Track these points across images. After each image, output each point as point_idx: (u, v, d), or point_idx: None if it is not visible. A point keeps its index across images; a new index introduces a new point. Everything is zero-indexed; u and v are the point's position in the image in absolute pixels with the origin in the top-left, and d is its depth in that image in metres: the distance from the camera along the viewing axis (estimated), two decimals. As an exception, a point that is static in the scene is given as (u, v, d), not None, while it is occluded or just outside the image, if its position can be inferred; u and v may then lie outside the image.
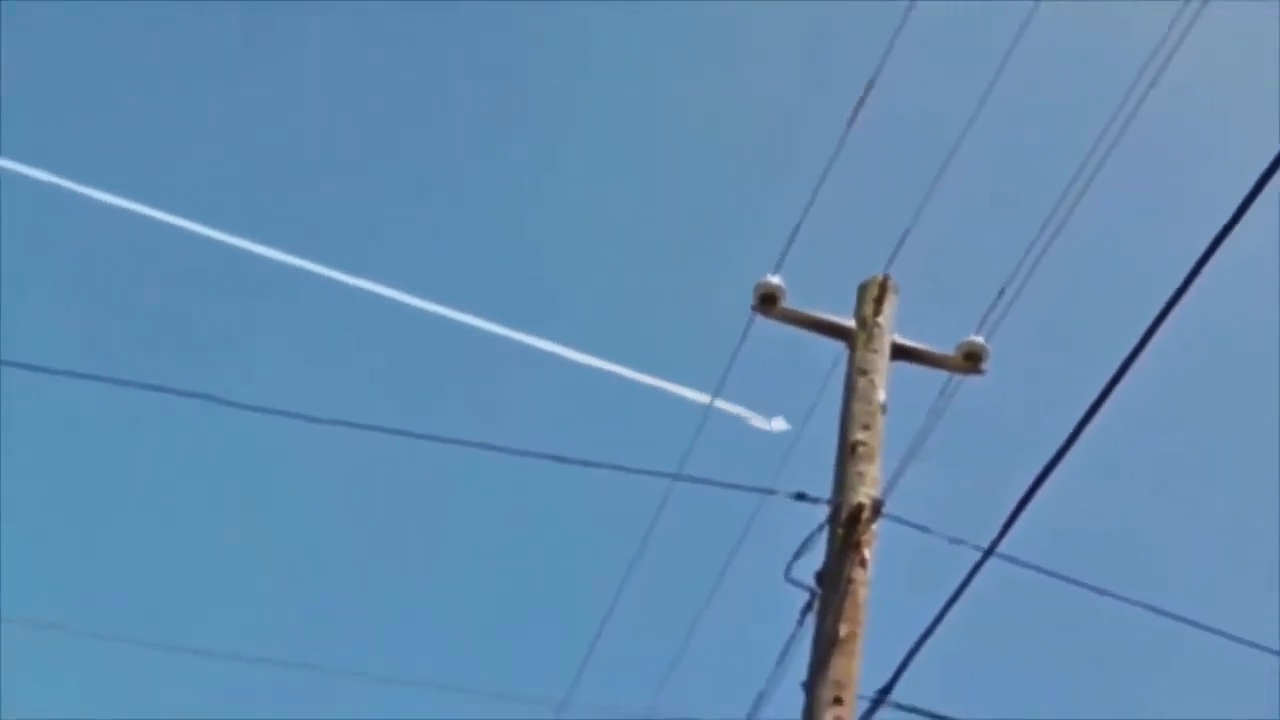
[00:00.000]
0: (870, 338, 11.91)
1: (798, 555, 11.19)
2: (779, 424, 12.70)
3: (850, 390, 11.74)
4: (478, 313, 14.81)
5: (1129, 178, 10.34)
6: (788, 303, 12.24)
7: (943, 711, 10.67)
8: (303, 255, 16.76)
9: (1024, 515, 9.06)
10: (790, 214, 12.28)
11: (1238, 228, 6.82)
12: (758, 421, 12.87)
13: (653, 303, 24.13)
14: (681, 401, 13.33)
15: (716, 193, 23.77)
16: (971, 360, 12.02)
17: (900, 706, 10.31)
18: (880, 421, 11.58)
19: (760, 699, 11.14)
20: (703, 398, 13.03)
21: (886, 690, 10.01)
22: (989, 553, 9.31)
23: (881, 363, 11.83)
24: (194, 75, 25.42)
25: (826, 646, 10.74)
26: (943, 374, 11.98)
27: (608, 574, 14.24)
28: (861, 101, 11.64)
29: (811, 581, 11.07)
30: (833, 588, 10.93)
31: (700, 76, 24.62)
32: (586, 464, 12.56)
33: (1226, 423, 23.20)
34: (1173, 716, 20.95)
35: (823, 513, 11.33)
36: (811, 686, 10.68)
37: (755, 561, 12.64)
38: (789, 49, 23.71)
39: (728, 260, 21.71)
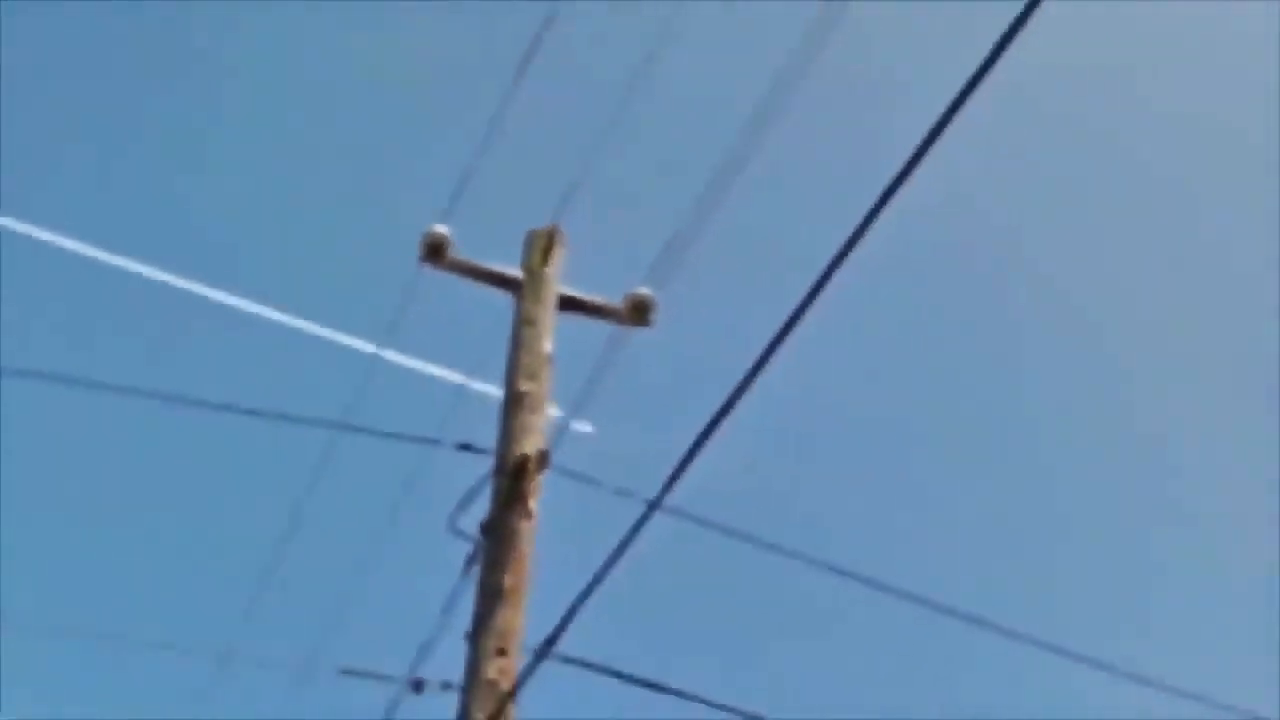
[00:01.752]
0: (537, 289, 11.86)
1: (462, 507, 11.13)
2: (446, 374, 12.61)
3: (517, 341, 11.69)
4: (146, 261, 14.44)
5: (801, 132, 10.40)
6: (456, 253, 12.15)
7: (607, 664, 10.69)
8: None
9: (690, 469, 9.06)
10: (460, 164, 12.20)
11: (907, 183, 6.85)
12: (425, 371, 12.77)
13: (320, 253, 23.88)
14: (349, 351, 13.19)
15: (386, 143, 23.54)
16: (639, 312, 12.05)
17: (565, 659, 10.29)
18: (547, 373, 11.54)
19: (424, 650, 11.05)
20: (369, 347, 12.91)
21: (551, 642, 9.96)
22: (655, 505, 9.29)
23: (548, 314, 11.79)
24: None
25: (491, 598, 10.70)
26: (611, 326, 11.98)
27: (274, 525, 14.06)
28: (531, 52, 11.58)
29: (476, 533, 11.02)
30: (497, 539, 10.88)
31: (372, 25, 24.34)
32: (253, 414, 12.38)
33: (892, 380, 23.70)
34: (838, 667, 21.39)
35: (488, 464, 11.28)
36: (476, 638, 10.62)
37: (421, 513, 12.56)
38: (460, -2, 23.59)
39: (396, 211, 21.53)
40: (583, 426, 11.87)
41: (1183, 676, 13.25)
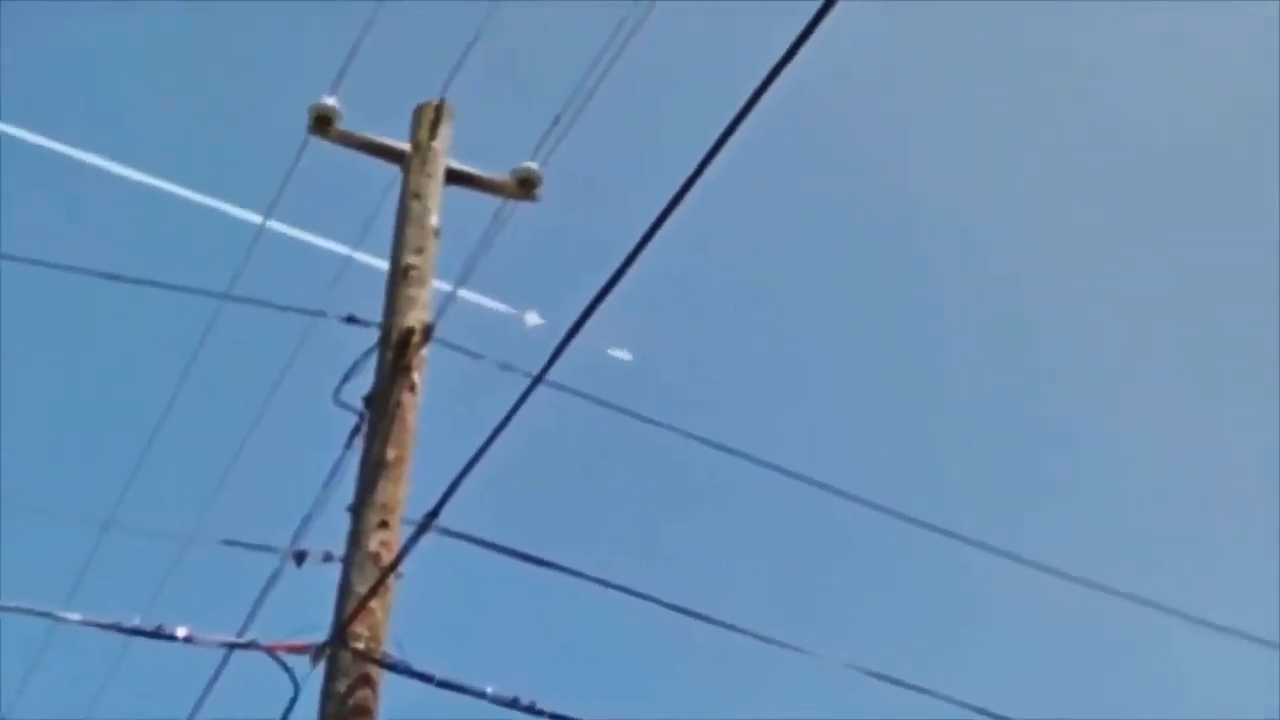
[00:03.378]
0: (425, 162, 11.82)
1: (346, 378, 11.13)
2: (332, 246, 12.56)
3: (403, 214, 11.66)
4: (29, 126, 14.26)
5: (691, 6, 10.40)
6: (344, 126, 12.08)
7: (488, 538, 10.75)
8: None
9: (575, 343, 9.08)
10: (348, 36, 12.10)
11: (793, 62, 6.86)
12: (312, 243, 12.72)
13: (208, 122, 23.63)
14: (235, 222, 13.11)
15: (275, 14, 23.29)
16: (525, 186, 12.02)
17: (446, 532, 10.32)
18: (433, 246, 11.53)
19: (306, 521, 11.06)
20: (256, 218, 12.83)
21: (433, 515, 9.99)
22: (538, 380, 9.31)
23: (435, 187, 11.75)
24: None
25: (374, 470, 10.72)
26: (498, 199, 11.97)
27: (158, 395, 14.00)
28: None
29: (360, 405, 11.02)
30: (381, 412, 10.89)
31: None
32: (139, 282, 12.31)
33: (775, 258, 23.76)
34: (722, 544, 21.55)
35: (373, 337, 11.27)
36: (358, 510, 10.65)
37: (306, 384, 12.54)
38: None
39: (285, 83, 21.34)
40: (533, 319, 11.91)
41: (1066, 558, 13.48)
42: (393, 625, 10.39)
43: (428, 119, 11.92)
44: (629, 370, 12.31)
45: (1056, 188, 24.19)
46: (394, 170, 11.94)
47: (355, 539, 10.57)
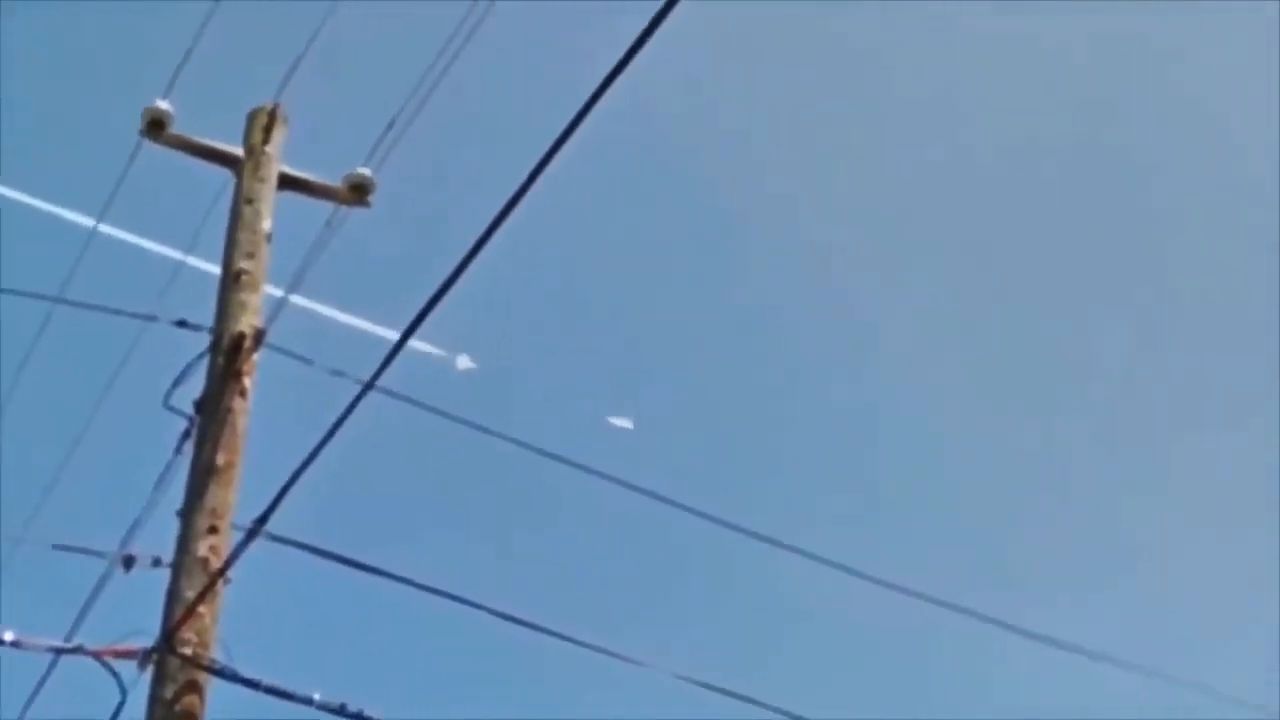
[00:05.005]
0: (258, 166, 11.79)
1: (177, 383, 11.09)
2: (164, 250, 12.50)
3: (236, 218, 11.63)
4: None
5: (525, 13, 10.44)
6: (177, 129, 12.03)
7: (318, 544, 10.74)
8: None
9: (406, 350, 9.11)
10: (182, 39, 12.05)
11: (629, 68, 6.90)
12: (144, 247, 12.65)
13: (39, 125, 23.34)
14: (67, 225, 13.00)
15: (110, 16, 23.07)
16: (358, 192, 12.02)
17: (275, 538, 10.32)
18: (265, 251, 11.51)
19: (135, 526, 11.00)
20: (88, 221, 12.74)
21: (262, 520, 9.99)
22: (369, 386, 9.34)
23: (268, 192, 11.73)
24: None
25: (204, 475, 10.69)
26: (330, 205, 11.95)
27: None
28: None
29: (191, 410, 10.98)
30: (212, 416, 10.87)
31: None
32: (-34, 285, 12.19)
33: (615, 265, 23.85)
34: (549, 549, 21.59)
35: (205, 341, 11.23)
36: (187, 515, 10.62)
37: (137, 388, 12.46)
38: None
39: (118, 85, 21.15)
40: (464, 362, 11.94)
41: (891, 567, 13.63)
42: (221, 631, 10.37)
43: (261, 124, 11.90)
44: (467, 377, 12.34)
45: (892, 189, 24.45)
46: (227, 174, 11.91)
47: (184, 544, 10.54)
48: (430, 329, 8.79)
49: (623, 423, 12.88)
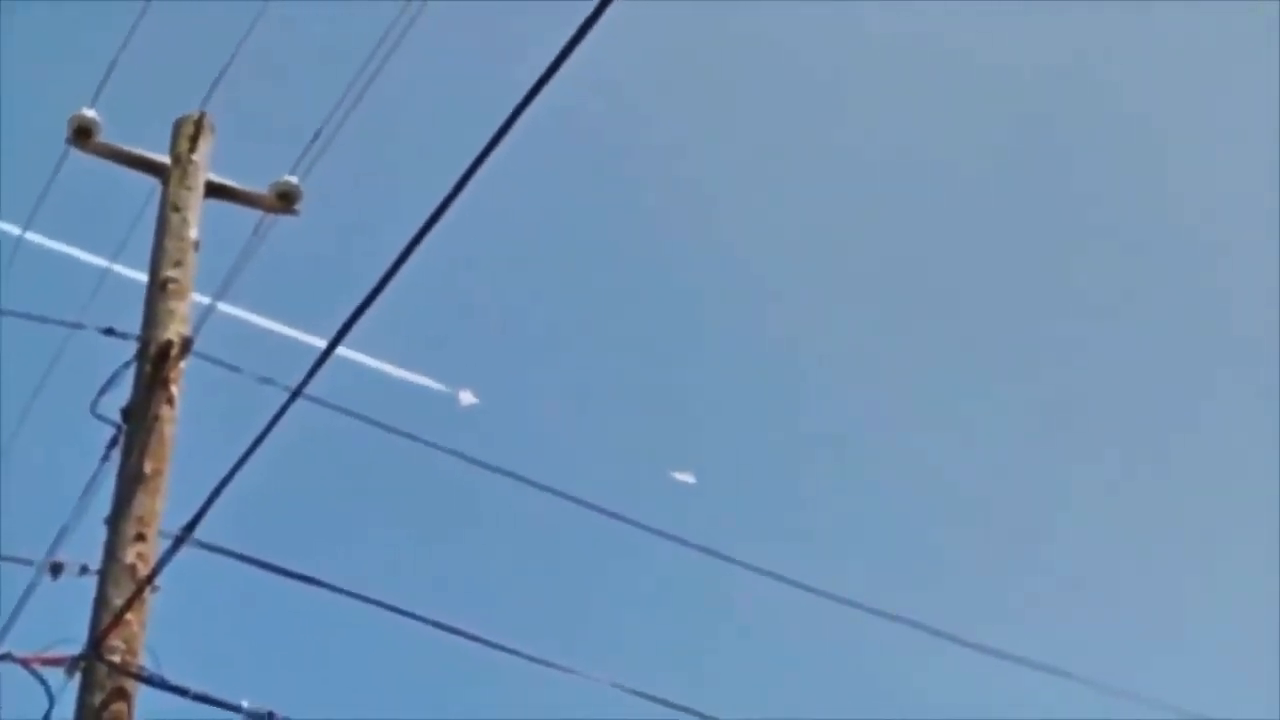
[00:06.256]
0: (185, 174, 11.79)
1: (104, 390, 11.08)
2: (91, 258, 12.49)
3: (163, 227, 11.63)
4: None
5: (450, 22, 10.47)
6: (104, 137, 12.02)
7: (245, 551, 10.76)
8: None
9: (334, 359, 9.12)
10: (109, 47, 12.04)
11: (556, 77, 6.92)
12: (70, 254, 12.64)
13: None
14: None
15: (32, 21, 22.97)
16: (285, 200, 12.01)
17: (203, 545, 10.33)
18: (192, 259, 11.51)
19: (63, 533, 10.99)
20: (14, 229, 12.72)
21: (190, 528, 9.99)
22: (296, 394, 9.34)
23: (195, 200, 11.74)
24: None
25: (131, 483, 10.69)
26: (258, 213, 11.96)
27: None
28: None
29: (118, 417, 10.98)
30: (139, 424, 10.87)
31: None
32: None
33: (540, 275, 23.87)
34: (483, 558, 21.58)
35: (132, 349, 11.23)
36: (115, 522, 10.62)
37: (65, 396, 12.44)
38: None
39: (44, 92, 21.06)
40: (467, 398, 11.98)
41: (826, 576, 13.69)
42: (149, 638, 10.37)
43: (187, 132, 11.90)
44: (391, 386, 12.36)
45: (812, 195, 24.52)
46: (154, 183, 11.91)
47: (111, 551, 10.53)
48: (359, 337, 8.82)
49: (686, 477, 13.06)
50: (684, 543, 13.12)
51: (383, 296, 8.30)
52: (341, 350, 8.91)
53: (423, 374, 12.72)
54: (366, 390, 12.12)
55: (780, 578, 13.26)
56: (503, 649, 11.30)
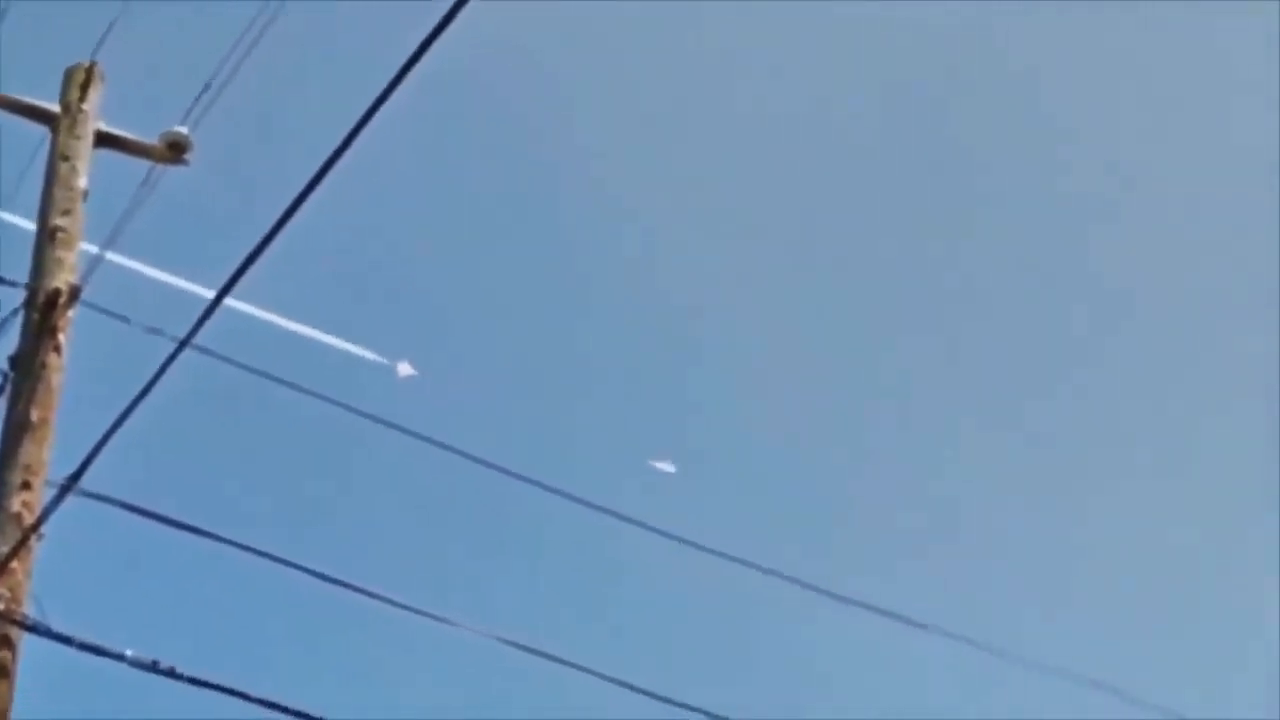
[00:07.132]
0: (74, 124, 11.76)
1: (-9, 340, 11.06)
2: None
3: (52, 176, 11.61)
4: None
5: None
6: (-8, 86, 11.97)
7: (132, 501, 10.75)
8: None
9: (223, 308, 9.14)
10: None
11: (449, 28, 6.94)
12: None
13: None
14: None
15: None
16: (175, 150, 11.99)
17: (89, 494, 10.33)
18: (81, 208, 11.50)
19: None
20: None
21: (76, 477, 10.00)
22: (184, 343, 9.37)
23: (85, 149, 11.71)
24: None
25: (17, 432, 10.68)
26: (148, 163, 11.94)
27: None
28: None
29: (5, 365, 10.96)
30: (26, 373, 10.86)
31: None
32: None
33: (437, 217, 23.81)
34: (368, 510, 21.59)
35: (20, 297, 11.20)
36: (1, 470, 10.59)
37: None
38: None
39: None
40: (405, 369, 12.00)
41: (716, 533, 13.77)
42: (34, 587, 10.37)
43: (78, 81, 11.86)
44: (277, 336, 12.37)
45: (708, 172, 24.59)
46: (44, 131, 11.87)
47: (-3, 500, 10.51)
48: (248, 287, 8.84)
49: (665, 467, 13.15)
50: (566, 495, 13.14)
51: (278, 249, 8.32)
52: (233, 303, 8.92)
53: (313, 314, 12.76)
54: (258, 343, 12.13)
55: (666, 534, 13.32)
56: (385, 600, 11.33)
